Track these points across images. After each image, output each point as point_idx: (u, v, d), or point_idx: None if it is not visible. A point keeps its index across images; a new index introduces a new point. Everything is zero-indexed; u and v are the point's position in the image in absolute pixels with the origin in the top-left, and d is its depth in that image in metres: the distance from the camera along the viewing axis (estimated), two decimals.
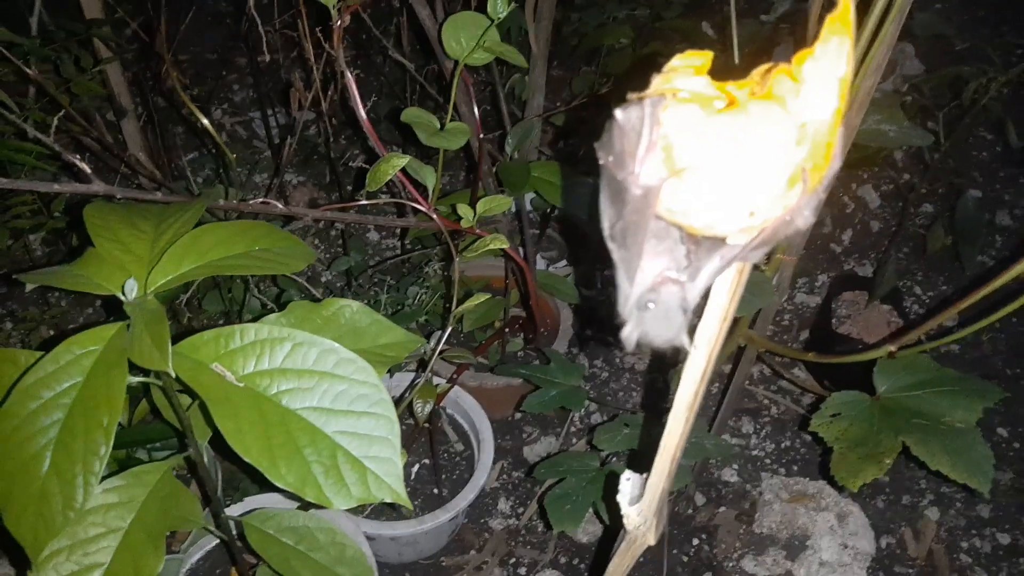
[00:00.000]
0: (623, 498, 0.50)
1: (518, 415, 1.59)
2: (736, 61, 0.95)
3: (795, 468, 1.52)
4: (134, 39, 1.73)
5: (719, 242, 0.30)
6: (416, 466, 1.38)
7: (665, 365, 1.36)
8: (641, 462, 0.49)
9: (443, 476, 1.37)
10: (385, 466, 0.58)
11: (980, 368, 1.69)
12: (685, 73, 0.33)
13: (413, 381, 1.14)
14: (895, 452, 0.76)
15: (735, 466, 1.51)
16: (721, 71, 0.34)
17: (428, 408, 1.04)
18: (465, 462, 1.40)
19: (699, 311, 0.37)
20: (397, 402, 1.09)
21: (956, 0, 2.56)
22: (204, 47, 2.35)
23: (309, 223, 1.80)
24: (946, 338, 0.78)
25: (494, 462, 1.48)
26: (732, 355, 1.15)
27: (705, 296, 0.35)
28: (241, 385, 0.58)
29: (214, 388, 0.59)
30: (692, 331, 0.35)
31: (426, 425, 1.23)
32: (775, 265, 0.93)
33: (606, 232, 0.32)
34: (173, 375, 0.56)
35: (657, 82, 0.32)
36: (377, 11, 1.77)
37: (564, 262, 1.76)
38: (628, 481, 0.50)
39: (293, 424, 0.58)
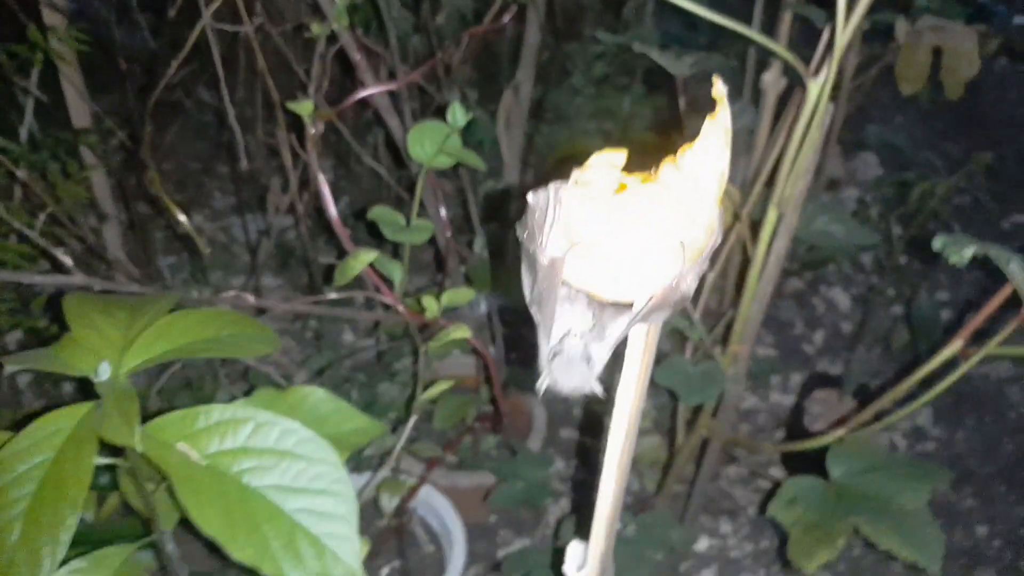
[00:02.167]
0: (569, 566, 0.52)
1: (493, 518, 1.57)
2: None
3: (775, 569, 1.50)
4: (120, 148, 1.80)
5: (624, 306, 0.34)
6: (385, 568, 1.36)
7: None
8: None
9: None
10: (342, 544, 0.59)
11: (954, 467, 1.69)
12: (600, 166, 0.37)
13: (374, 475, 1.14)
14: (847, 534, 0.78)
15: (713, 567, 1.50)
16: None
17: (395, 502, 1.04)
18: (436, 564, 1.38)
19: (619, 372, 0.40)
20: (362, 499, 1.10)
21: (914, 114, 2.71)
22: (187, 156, 2.43)
23: (286, 326, 1.83)
24: (883, 421, 0.81)
25: (467, 566, 1.46)
26: (696, 451, 1.17)
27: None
28: (204, 464, 0.60)
29: (179, 467, 0.60)
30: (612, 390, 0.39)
31: (395, 522, 1.23)
32: (730, 356, 0.96)
33: (527, 298, 0.36)
34: (140, 450, 0.58)
35: (575, 173, 0.37)
36: (362, 119, 1.86)
37: None
38: (574, 550, 0.52)
39: (253, 501, 0.59)
